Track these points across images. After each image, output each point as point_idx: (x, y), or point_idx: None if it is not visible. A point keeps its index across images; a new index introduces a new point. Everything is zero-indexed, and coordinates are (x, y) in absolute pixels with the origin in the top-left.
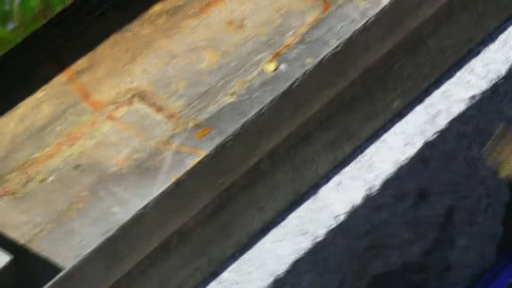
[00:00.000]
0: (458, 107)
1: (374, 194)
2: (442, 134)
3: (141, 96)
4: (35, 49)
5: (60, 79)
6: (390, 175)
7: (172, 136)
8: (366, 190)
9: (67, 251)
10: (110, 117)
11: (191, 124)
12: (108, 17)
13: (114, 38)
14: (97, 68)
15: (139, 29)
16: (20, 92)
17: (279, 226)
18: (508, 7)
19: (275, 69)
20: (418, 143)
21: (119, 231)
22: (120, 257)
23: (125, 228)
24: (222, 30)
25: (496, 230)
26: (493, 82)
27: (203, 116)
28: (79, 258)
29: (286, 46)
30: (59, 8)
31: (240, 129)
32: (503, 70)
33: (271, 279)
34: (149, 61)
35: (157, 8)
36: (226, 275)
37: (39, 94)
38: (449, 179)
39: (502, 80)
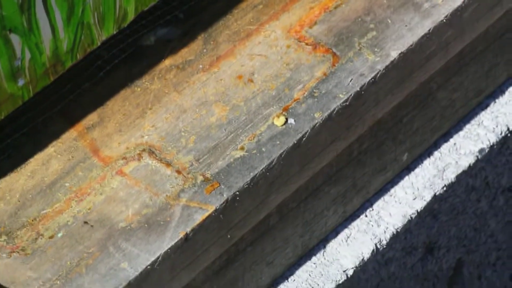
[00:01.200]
0: (467, 160)
1: (383, 248)
2: (451, 187)
3: (151, 151)
4: (45, 104)
5: (70, 134)
6: (399, 229)
7: (181, 191)
8: (374, 244)
9: None
10: (120, 172)
11: (200, 179)
12: (118, 72)
13: (124, 93)
14: (107, 123)
15: (149, 84)
16: (30, 148)
17: (288, 280)
18: None
19: (284, 123)
20: (427, 197)
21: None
22: None
23: (133, 284)
24: (232, 84)
25: (505, 284)
26: (503, 135)
27: (212, 170)
28: None
29: (295, 100)
30: (70, 64)
31: (249, 183)
32: None
33: None
34: (159, 116)
35: (167, 62)
36: None
37: (49, 149)
38: (458, 232)
39: (511, 133)
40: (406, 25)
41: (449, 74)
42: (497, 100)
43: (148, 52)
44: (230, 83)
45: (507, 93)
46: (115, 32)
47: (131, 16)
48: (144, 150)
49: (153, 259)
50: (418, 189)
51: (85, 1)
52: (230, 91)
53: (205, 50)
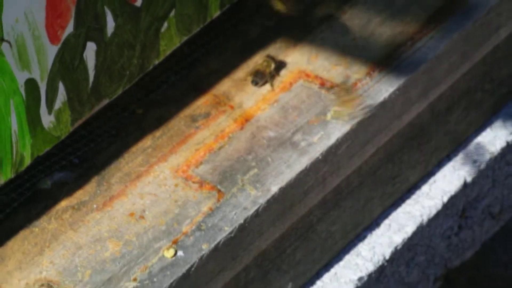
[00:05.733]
0: None
1: None
2: None
3: (49, 285)
4: None
5: None
6: None
7: None
8: None
9: None
10: None
11: None
12: (17, 214)
13: (23, 233)
14: (7, 261)
15: (46, 224)
16: None
17: None
18: (390, 194)
19: (174, 255)
20: None
21: None
22: None
23: None
24: (124, 221)
25: None
26: (380, 264)
27: None
28: None
29: (183, 234)
30: None
31: None
32: (387, 253)
33: None
34: (56, 253)
35: (63, 204)
36: None
37: None
38: None
39: (387, 262)
40: (285, 162)
41: (327, 208)
42: (373, 232)
43: (45, 195)
44: (122, 221)
45: (382, 225)
46: (13, 176)
47: (27, 161)
48: (43, 285)
49: None
50: None
51: None
52: (122, 228)
53: (98, 191)
